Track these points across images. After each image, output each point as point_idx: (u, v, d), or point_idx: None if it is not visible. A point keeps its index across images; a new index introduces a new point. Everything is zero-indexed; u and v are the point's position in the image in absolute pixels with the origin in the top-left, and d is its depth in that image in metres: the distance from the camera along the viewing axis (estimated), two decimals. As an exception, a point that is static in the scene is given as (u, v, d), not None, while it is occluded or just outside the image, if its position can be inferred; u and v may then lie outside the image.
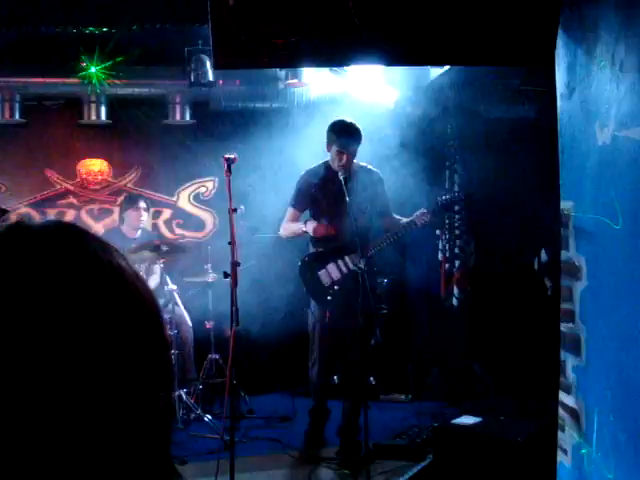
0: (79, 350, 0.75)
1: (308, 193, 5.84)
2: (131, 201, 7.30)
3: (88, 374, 0.75)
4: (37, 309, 0.74)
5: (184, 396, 6.46)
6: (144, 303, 0.83)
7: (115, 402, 0.77)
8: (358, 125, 5.73)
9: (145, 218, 7.25)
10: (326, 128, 5.79)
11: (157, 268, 6.96)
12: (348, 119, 5.77)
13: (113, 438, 0.76)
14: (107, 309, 0.78)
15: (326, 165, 5.86)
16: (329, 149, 5.78)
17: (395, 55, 3.68)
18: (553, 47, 3.53)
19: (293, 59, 3.82)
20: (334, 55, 3.73)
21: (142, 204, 7.19)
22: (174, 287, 6.81)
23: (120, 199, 7.94)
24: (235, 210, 4.89)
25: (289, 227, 5.91)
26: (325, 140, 5.80)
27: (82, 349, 0.75)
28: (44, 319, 0.74)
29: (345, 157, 5.67)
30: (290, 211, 5.92)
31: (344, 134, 5.66)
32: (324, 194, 5.80)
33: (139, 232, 7.19)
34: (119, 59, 7.36)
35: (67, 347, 0.74)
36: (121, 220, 7.30)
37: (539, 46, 3.53)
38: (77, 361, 0.74)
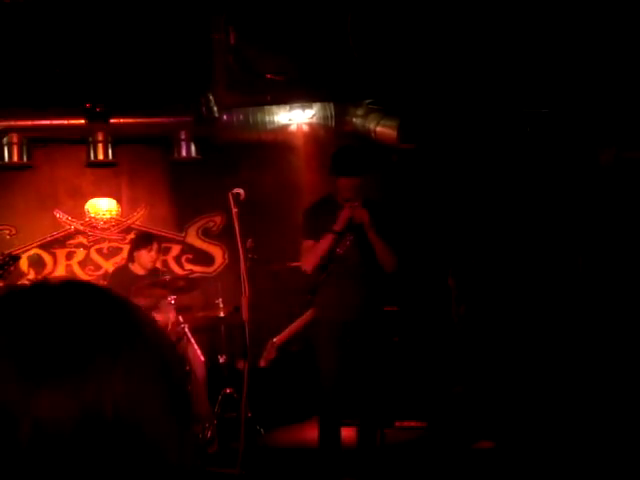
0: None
1: (319, 224, 5.59)
2: (144, 241, 7.14)
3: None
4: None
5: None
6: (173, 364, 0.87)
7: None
8: (362, 152, 5.56)
9: (156, 257, 7.21)
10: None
11: (168, 304, 6.96)
12: (350, 147, 5.62)
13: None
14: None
15: (330, 198, 5.61)
16: (333, 180, 5.50)
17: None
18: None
19: (294, 95, 3.87)
20: (335, 90, 3.77)
21: (155, 245, 7.08)
22: (185, 323, 6.80)
23: (129, 237, 7.97)
24: (244, 245, 4.90)
25: (313, 252, 5.54)
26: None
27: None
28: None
29: (347, 188, 5.37)
30: (306, 244, 5.69)
31: (342, 163, 5.38)
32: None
33: (149, 270, 7.18)
34: (124, 97, 7.43)
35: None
36: (131, 258, 7.19)
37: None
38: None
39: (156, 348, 0.85)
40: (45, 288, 0.85)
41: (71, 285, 0.87)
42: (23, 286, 0.86)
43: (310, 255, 5.43)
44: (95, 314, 0.82)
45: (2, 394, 0.75)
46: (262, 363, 6.82)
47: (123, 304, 0.87)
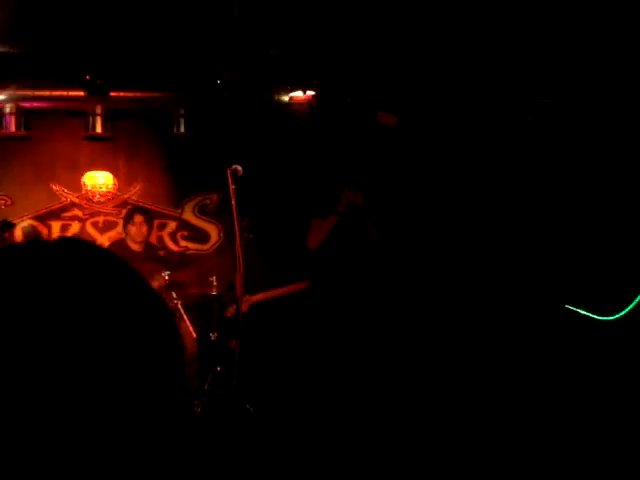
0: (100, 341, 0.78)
1: (329, 203, 5.90)
2: (129, 216, 7.31)
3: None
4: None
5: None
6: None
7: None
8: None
9: (145, 231, 7.23)
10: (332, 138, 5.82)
11: (162, 280, 6.95)
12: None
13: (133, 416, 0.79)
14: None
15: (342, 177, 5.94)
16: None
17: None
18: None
19: (294, 73, 3.84)
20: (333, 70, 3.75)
21: (138, 218, 7.18)
22: (179, 300, 6.80)
23: (125, 211, 7.96)
24: (240, 222, 4.89)
25: (320, 230, 5.88)
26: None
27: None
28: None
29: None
30: (316, 222, 5.95)
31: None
32: None
33: (143, 245, 7.20)
34: (123, 71, 7.39)
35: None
36: (125, 233, 7.33)
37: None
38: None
39: (154, 312, 0.84)
40: (42, 244, 0.85)
41: (67, 242, 0.86)
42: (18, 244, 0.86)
43: (316, 234, 5.71)
44: (94, 273, 0.82)
45: None
46: (229, 313, 6.79)
47: (122, 264, 0.86)
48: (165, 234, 8.49)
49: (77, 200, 8.33)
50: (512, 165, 7.42)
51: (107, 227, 8.36)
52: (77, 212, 8.34)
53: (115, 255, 0.88)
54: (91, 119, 7.90)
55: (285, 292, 6.57)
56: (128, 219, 7.25)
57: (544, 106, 7.33)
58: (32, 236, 8.08)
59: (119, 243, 7.36)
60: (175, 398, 0.84)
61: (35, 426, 0.73)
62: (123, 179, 8.40)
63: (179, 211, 8.54)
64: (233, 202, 4.87)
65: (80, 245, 0.86)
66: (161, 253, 6.81)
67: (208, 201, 8.55)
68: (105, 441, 0.76)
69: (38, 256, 0.81)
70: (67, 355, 0.75)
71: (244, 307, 6.45)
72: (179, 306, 6.78)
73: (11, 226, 6.53)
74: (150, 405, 0.80)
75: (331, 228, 5.79)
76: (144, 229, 7.20)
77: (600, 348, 6.17)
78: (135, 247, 7.13)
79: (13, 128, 7.74)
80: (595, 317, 6.32)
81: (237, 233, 4.80)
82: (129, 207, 8.01)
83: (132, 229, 7.16)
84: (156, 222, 8.15)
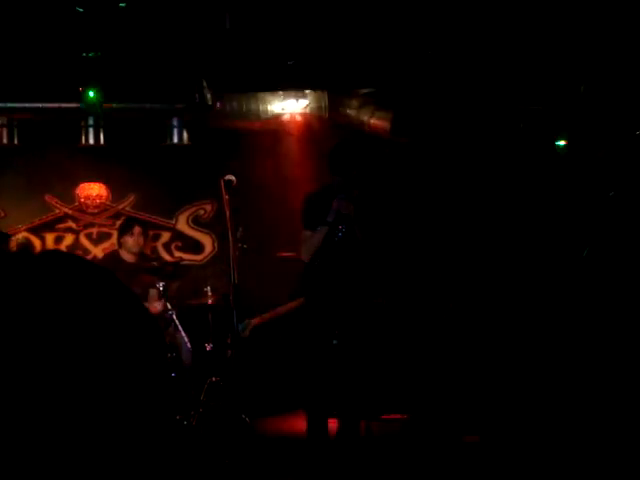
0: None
1: (318, 213, 5.70)
2: (127, 227, 7.24)
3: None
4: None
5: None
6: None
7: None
8: (356, 150, 5.65)
9: (142, 242, 7.22)
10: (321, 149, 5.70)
11: (156, 291, 6.94)
12: (345, 144, 5.70)
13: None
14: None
15: (330, 187, 5.72)
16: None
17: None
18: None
19: (288, 82, 3.85)
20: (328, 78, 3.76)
21: (137, 229, 7.15)
22: (173, 310, 6.79)
23: (118, 222, 7.94)
24: (234, 232, 4.89)
25: (311, 242, 5.74)
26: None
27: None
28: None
29: (341, 184, 5.55)
30: (305, 233, 5.78)
31: (336, 162, 5.56)
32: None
33: (137, 256, 7.18)
34: (116, 82, 7.39)
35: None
36: (119, 244, 7.26)
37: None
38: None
39: (136, 321, 0.84)
40: (27, 257, 0.85)
41: (51, 255, 0.87)
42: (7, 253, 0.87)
43: (307, 245, 5.60)
44: (76, 283, 0.82)
45: None
46: (244, 334, 6.81)
47: (103, 274, 0.86)
48: (159, 245, 8.49)
49: (71, 212, 8.32)
50: (503, 170, 7.44)
51: (101, 238, 8.35)
52: (71, 224, 8.33)
53: (98, 266, 0.89)
54: (84, 130, 7.90)
55: (284, 311, 6.57)
56: (125, 230, 7.16)
57: (536, 113, 7.36)
58: (24, 249, 8.07)
59: (112, 255, 7.34)
60: (158, 405, 0.84)
61: (26, 435, 0.74)
62: (117, 190, 8.40)
63: (173, 222, 8.53)
64: (227, 212, 4.86)
65: (61, 257, 0.86)
66: (155, 264, 6.79)
67: (202, 211, 8.55)
68: (93, 445, 0.76)
69: (19, 269, 0.82)
70: (48, 367, 0.75)
71: (246, 332, 6.43)
72: (174, 317, 6.76)
73: (7, 238, 6.51)
74: (134, 413, 0.80)
75: (321, 239, 5.67)
76: (141, 240, 7.16)
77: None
78: (129, 258, 7.10)
79: (5, 140, 7.74)
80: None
81: (231, 243, 4.80)
82: (124, 218, 7.98)
83: (129, 240, 7.07)
84: (150, 233, 8.14)
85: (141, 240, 7.16)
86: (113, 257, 7.12)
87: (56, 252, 0.88)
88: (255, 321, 6.62)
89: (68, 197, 8.30)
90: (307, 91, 7.76)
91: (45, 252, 0.88)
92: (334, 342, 5.82)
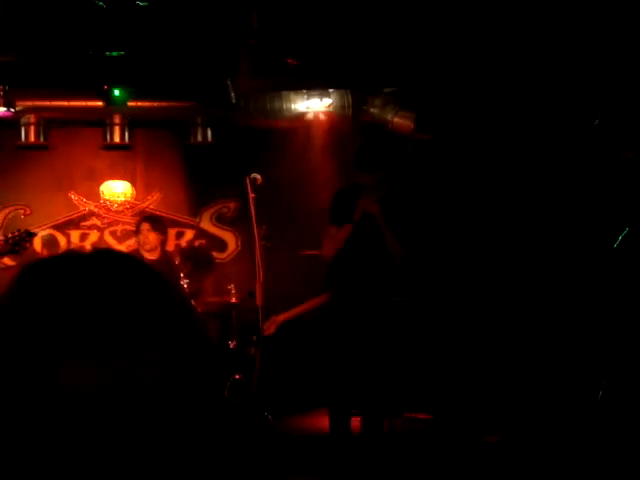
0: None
1: (345, 210, 5.69)
2: (137, 226, 7.36)
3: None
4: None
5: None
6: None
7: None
8: (381, 148, 5.63)
9: (153, 239, 7.22)
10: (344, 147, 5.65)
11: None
12: (370, 143, 5.69)
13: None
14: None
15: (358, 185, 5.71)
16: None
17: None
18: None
19: (313, 81, 3.85)
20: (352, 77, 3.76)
21: (143, 226, 7.20)
22: (197, 308, 6.82)
23: (141, 221, 7.99)
24: (259, 230, 4.91)
25: (334, 239, 5.73)
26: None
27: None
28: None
29: (366, 182, 5.52)
30: (330, 230, 5.77)
31: (362, 160, 5.52)
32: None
33: (157, 253, 7.22)
34: (141, 81, 7.43)
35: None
36: (137, 244, 7.36)
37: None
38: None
39: (187, 319, 0.85)
40: (77, 257, 0.85)
41: (105, 254, 0.87)
42: (54, 255, 0.86)
43: (331, 242, 5.60)
44: (129, 284, 0.82)
45: (30, 363, 0.75)
46: (266, 332, 6.81)
47: (156, 275, 0.87)
48: (183, 243, 8.52)
49: (95, 209, 8.37)
50: (527, 170, 7.40)
51: (125, 236, 8.39)
52: (95, 221, 8.38)
53: (148, 264, 0.89)
54: (109, 128, 7.96)
55: (309, 307, 6.57)
56: (136, 229, 7.30)
57: (560, 113, 7.31)
58: (50, 245, 8.13)
59: (135, 253, 7.37)
60: (209, 407, 0.85)
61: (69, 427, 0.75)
62: (141, 188, 8.44)
63: (197, 220, 8.56)
64: (252, 210, 4.87)
65: (114, 256, 0.86)
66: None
67: (226, 209, 8.57)
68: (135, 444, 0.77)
69: (76, 269, 0.82)
70: (109, 368, 0.76)
71: (272, 329, 6.43)
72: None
73: (33, 236, 6.57)
74: (185, 415, 0.81)
75: (346, 237, 5.65)
76: (152, 237, 7.18)
77: None
78: (149, 256, 7.13)
79: (32, 138, 7.80)
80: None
81: (257, 241, 4.81)
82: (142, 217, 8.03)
83: (140, 238, 7.20)
84: (174, 231, 8.17)
85: (151, 236, 7.17)
86: (136, 255, 7.15)
87: (106, 251, 0.89)
88: (280, 318, 6.61)
89: (93, 195, 8.35)
90: (331, 90, 7.78)
91: (96, 251, 0.89)
92: (357, 339, 5.83)
